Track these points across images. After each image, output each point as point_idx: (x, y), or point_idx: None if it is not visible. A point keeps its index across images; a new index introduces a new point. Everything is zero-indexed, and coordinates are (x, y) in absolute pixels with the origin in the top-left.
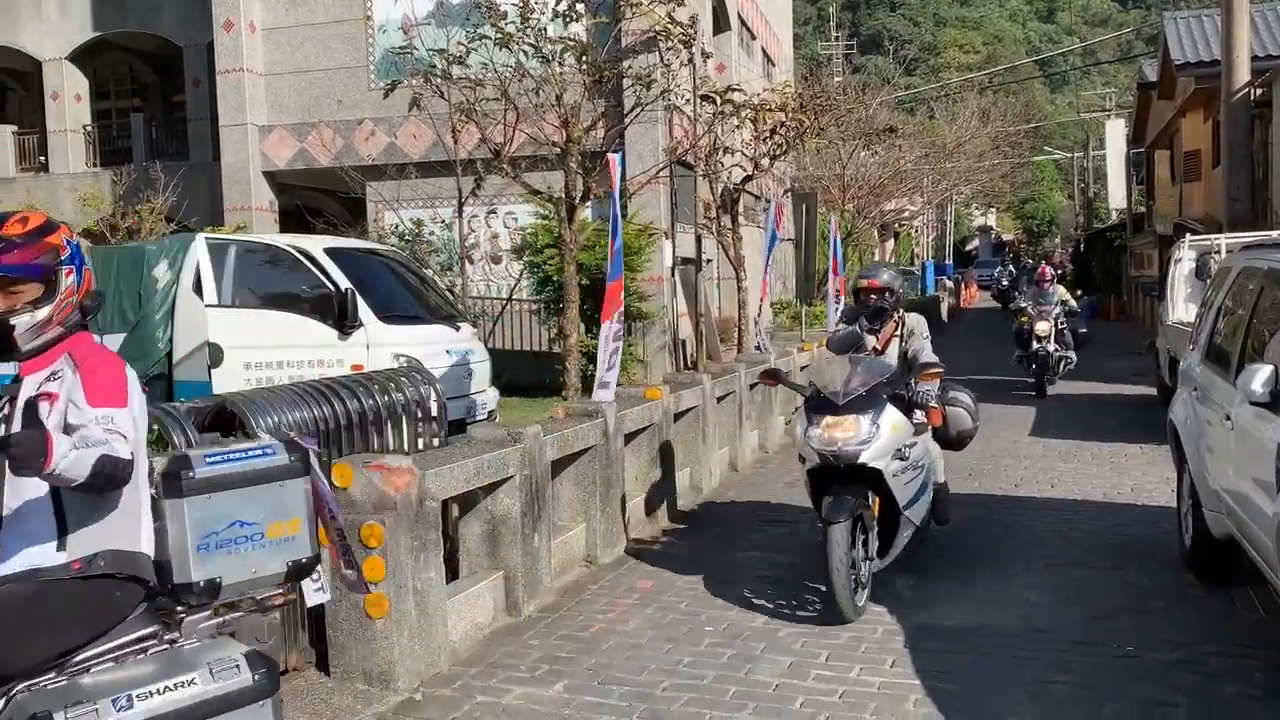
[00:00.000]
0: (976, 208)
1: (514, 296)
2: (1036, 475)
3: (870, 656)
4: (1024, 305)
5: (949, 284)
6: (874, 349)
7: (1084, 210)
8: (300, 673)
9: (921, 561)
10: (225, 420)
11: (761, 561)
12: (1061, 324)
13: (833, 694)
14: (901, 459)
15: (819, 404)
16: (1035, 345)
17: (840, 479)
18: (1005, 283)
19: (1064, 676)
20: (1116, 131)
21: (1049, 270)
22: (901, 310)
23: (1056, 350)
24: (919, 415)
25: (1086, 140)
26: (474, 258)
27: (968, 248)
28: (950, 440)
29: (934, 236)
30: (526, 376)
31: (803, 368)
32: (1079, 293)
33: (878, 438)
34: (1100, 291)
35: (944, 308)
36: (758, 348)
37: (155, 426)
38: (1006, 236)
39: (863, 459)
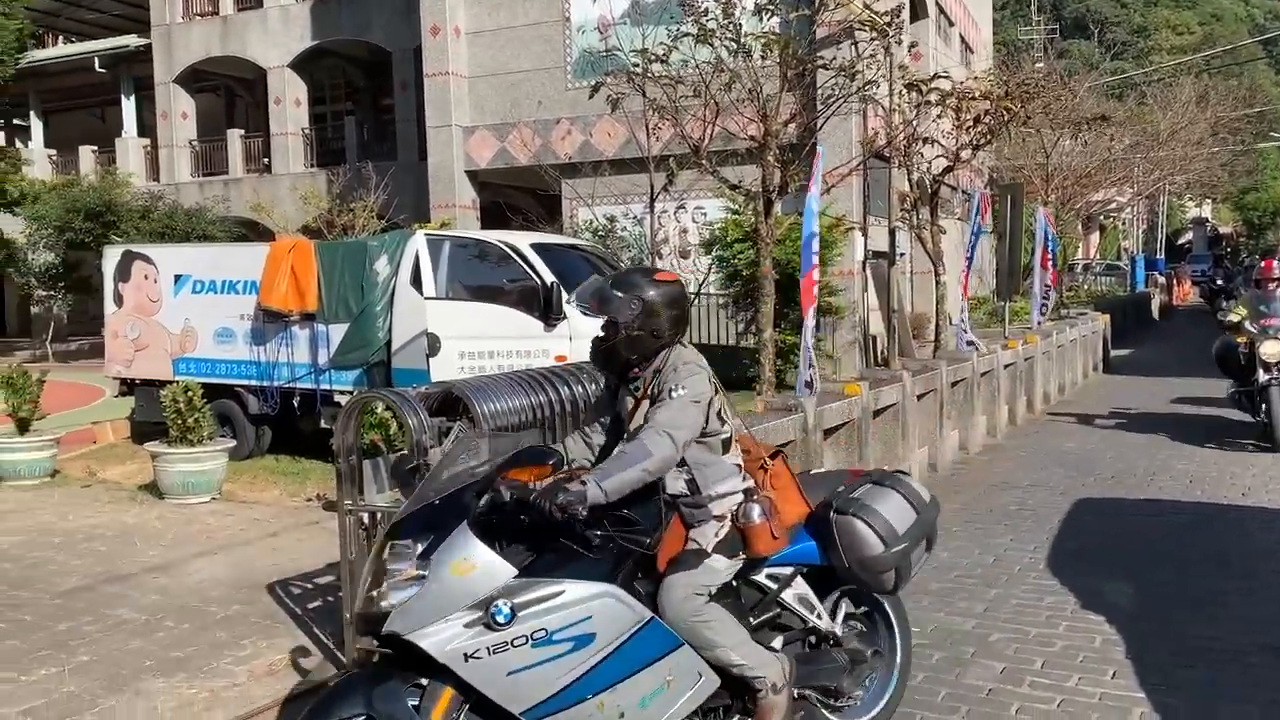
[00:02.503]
0: (1191, 198)
1: (702, 291)
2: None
3: (1090, 666)
4: (1238, 318)
5: (1161, 279)
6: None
7: None
8: None
9: (1141, 568)
10: (450, 405)
11: (968, 564)
12: None
13: (1050, 702)
14: (495, 626)
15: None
16: (1262, 375)
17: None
18: (1220, 281)
19: None
20: None
21: (1276, 267)
22: (677, 345)
23: None
24: (712, 532)
25: None
26: (663, 252)
27: (1180, 241)
28: (850, 575)
29: (1144, 229)
30: (714, 370)
31: (1006, 366)
32: None
33: (427, 593)
34: None
35: (1155, 305)
36: (970, 343)
37: (389, 409)
38: (1224, 229)
39: (391, 628)
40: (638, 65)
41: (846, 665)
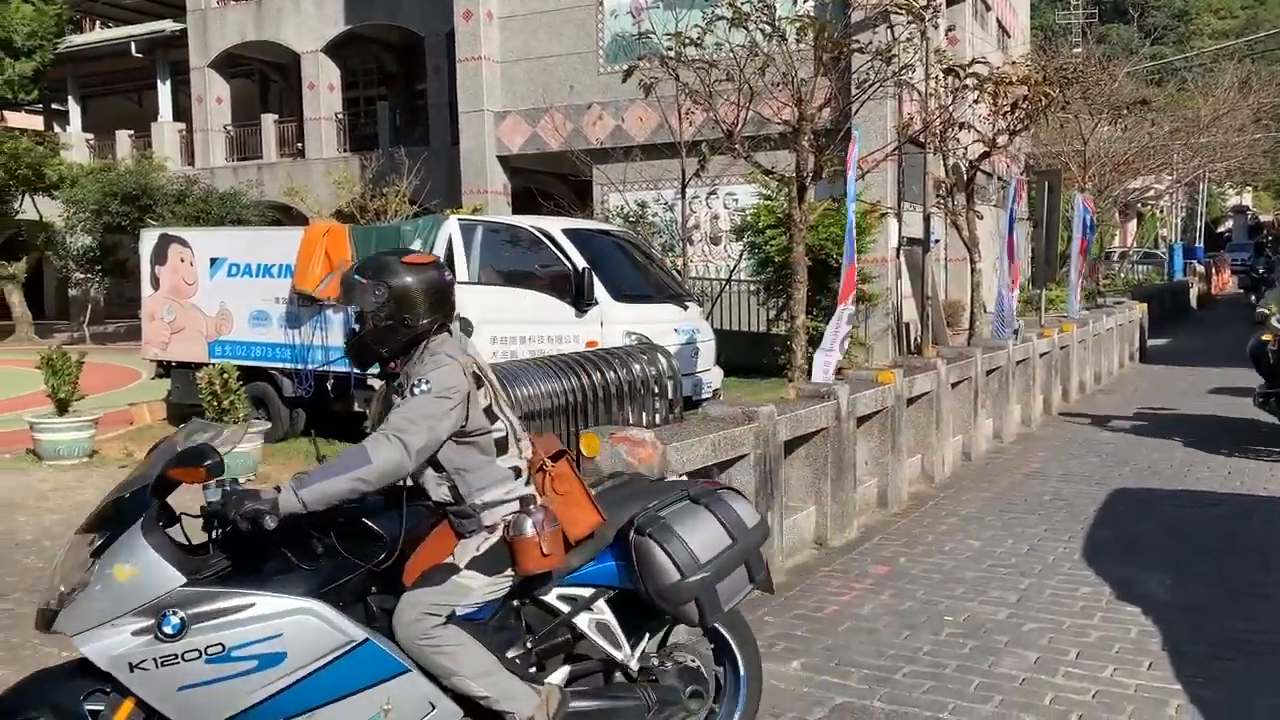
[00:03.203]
0: (1231, 186)
1: (733, 277)
2: None
3: (1125, 657)
4: (1269, 313)
5: (1199, 268)
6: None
7: None
8: None
9: (1177, 559)
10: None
11: (1001, 553)
12: None
13: (1085, 693)
14: (163, 637)
15: None
16: None
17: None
18: (1261, 270)
19: None
20: None
21: None
22: (439, 335)
23: None
24: (474, 545)
25: None
26: (694, 238)
27: (1220, 229)
28: (651, 602)
29: (1183, 217)
30: (743, 357)
31: (1042, 354)
32: None
33: (92, 594)
34: None
35: (1193, 293)
36: (1015, 331)
37: None
38: (1265, 217)
39: (58, 628)
40: (671, 49)
41: (650, 705)
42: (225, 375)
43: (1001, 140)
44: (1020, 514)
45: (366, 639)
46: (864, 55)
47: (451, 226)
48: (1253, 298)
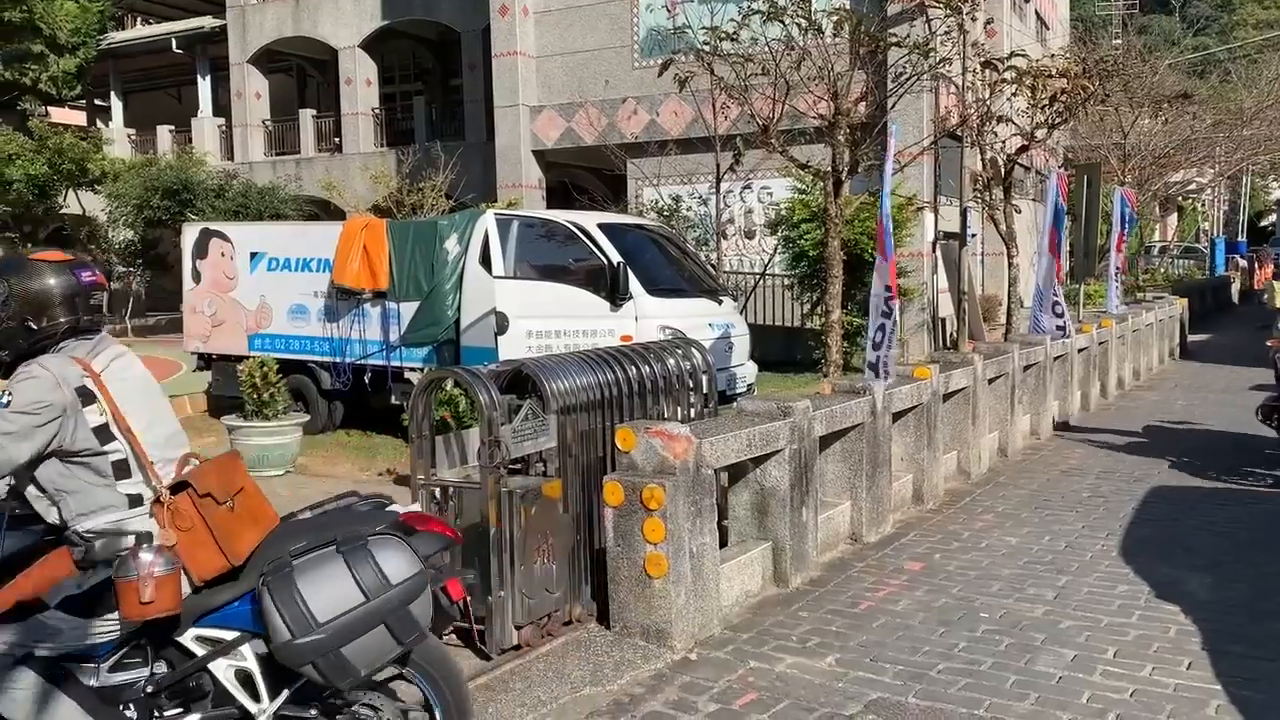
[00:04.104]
0: (1276, 179)
1: (767, 272)
2: None
3: (1163, 657)
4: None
5: (1242, 263)
6: None
7: None
8: (583, 624)
9: (1218, 558)
10: (518, 383)
11: (1038, 550)
12: None
13: (1123, 692)
14: None
15: None
16: None
17: None
18: None
19: None
20: None
21: None
22: (69, 342)
23: None
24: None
25: None
26: (728, 233)
27: (1263, 223)
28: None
29: (1224, 210)
30: (777, 352)
31: (1080, 350)
32: None
33: None
34: None
35: (1234, 288)
36: (1060, 328)
37: (460, 386)
38: None
39: None
40: (706, 43)
41: None
42: (265, 368)
43: (1040, 134)
44: (1057, 510)
45: None
46: (901, 49)
47: (488, 221)
48: None
